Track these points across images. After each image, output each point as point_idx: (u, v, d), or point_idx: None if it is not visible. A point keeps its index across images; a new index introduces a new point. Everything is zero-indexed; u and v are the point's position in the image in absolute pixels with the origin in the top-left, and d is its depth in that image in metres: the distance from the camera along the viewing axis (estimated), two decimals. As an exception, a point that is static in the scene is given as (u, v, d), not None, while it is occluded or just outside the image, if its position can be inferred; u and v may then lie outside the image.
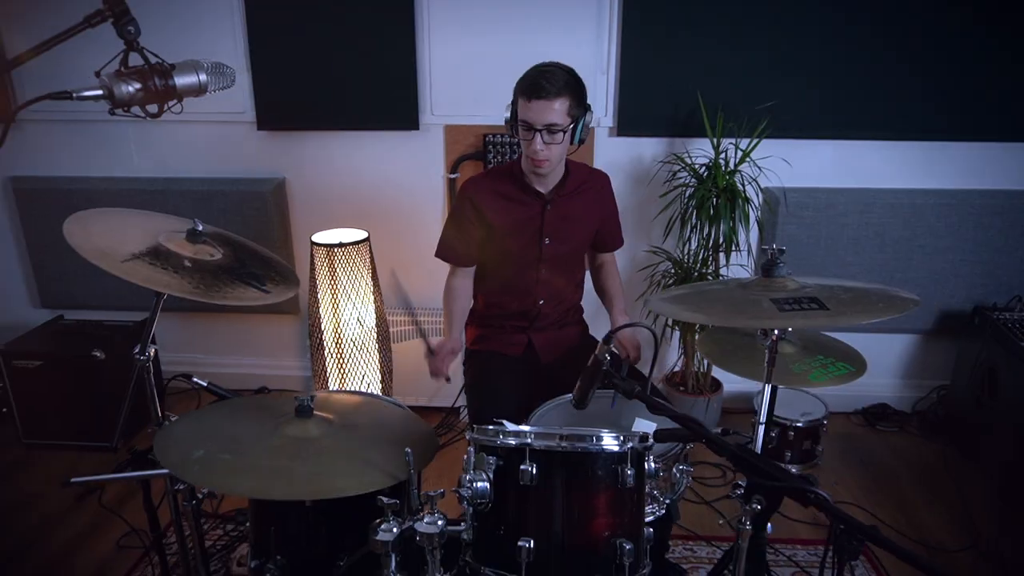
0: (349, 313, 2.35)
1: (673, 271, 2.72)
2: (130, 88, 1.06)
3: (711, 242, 2.60)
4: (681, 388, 2.85)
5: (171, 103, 1.10)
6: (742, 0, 2.60)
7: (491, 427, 1.25)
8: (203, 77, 1.13)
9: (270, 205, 2.95)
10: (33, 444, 2.80)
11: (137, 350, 1.51)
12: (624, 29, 2.67)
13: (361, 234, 2.40)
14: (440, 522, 1.17)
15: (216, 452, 1.22)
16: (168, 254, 1.41)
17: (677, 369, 2.95)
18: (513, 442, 1.16)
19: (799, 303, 1.14)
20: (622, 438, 1.17)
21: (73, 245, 1.28)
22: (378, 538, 1.17)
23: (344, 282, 2.31)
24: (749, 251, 2.75)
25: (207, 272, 1.42)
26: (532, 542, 1.13)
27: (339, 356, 2.40)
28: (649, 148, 2.83)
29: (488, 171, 2.07)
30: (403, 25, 2.72)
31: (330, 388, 2.46)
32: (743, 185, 2.59)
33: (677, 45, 2.67)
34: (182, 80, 1.11)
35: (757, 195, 2.60)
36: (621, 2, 2.64)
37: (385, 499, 1.18)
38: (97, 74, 1.09)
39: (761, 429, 1.24)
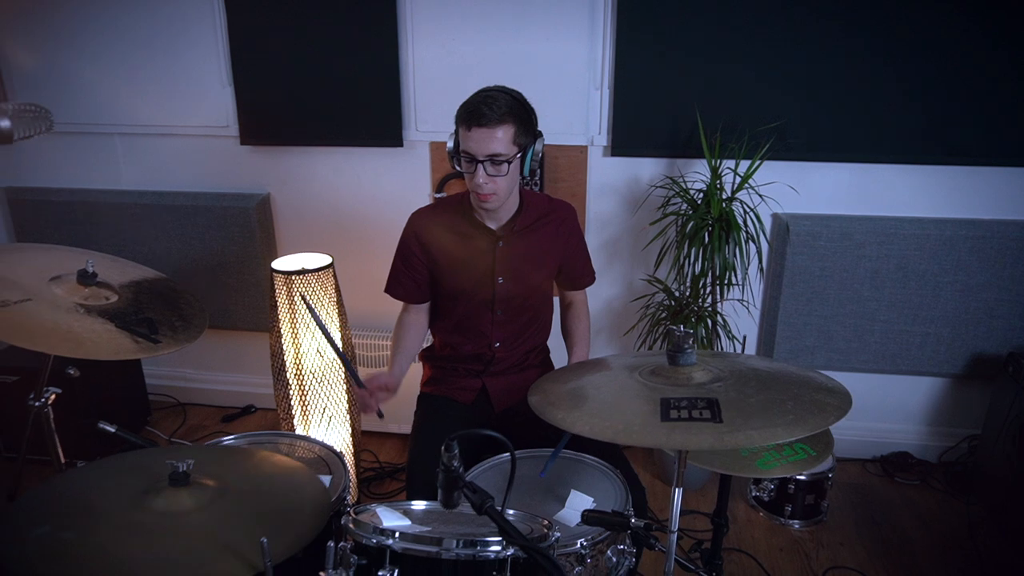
0: (308, 343, 2.23)
1: (667, 303, 2.50)
2: None
3: (707, 275, 2.38)
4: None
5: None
6: (745, 13, 2.36)
7: (368, 513, 1.09)
8: (3, 124, 1.00)
9: (253, 221, 2.87)
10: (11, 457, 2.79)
11: (31, 397, 1.41)
12: (618, 44, 2.47)
13: (325, 259, 2.28)
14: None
15: (59, 529, 1.10)
16: (54, 299, 1.30)
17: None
18: (375, 541, 1.00)
19: (692, 407, 0.93)
20: (503, 544, 1.00)
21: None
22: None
23: (303, 311, 2.19)
24: (747, 284, 2.50)
25: (94, 318, 1.30)
26: (388, 661, 0.98)
27: (300, 387, 2.28)
28: (647, 169, 2.62)
29: (436, 203, 1.91)
30: (387, 39, 2.59)
31: (293, 417, 2.35)
32: (742, 214, 2.35)
33: (675, 60, 2.45)
34: None
35: (756, 224, 2.36)
36: (615, 15, 2.44)
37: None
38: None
39: (673, 538, 1.05)
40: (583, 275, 1.96)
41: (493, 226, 1.78)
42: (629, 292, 2.74)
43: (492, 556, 0.99)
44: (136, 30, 2.74)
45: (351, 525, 1.07)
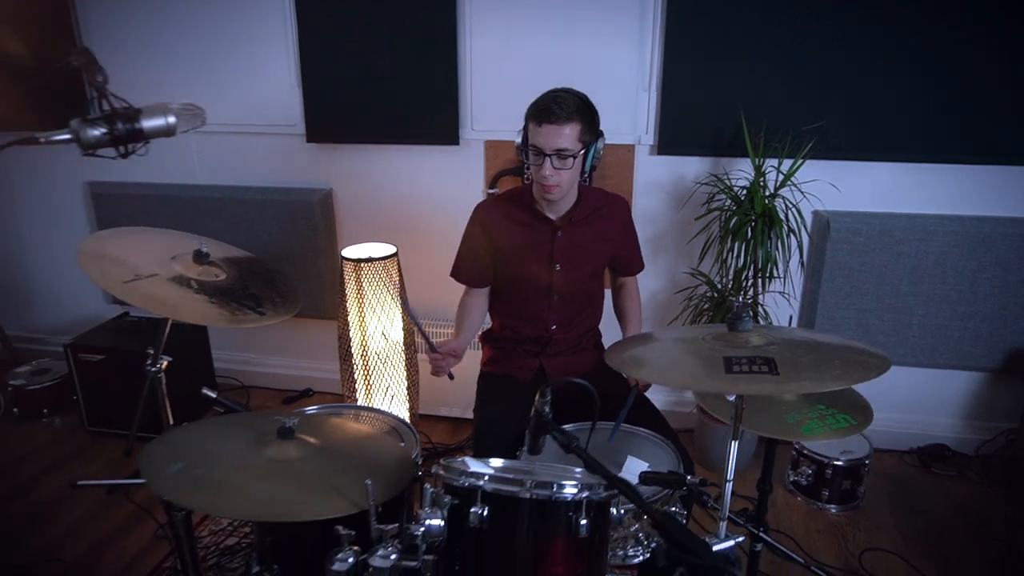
0: (374, 326, 2.40)
1: (710, 295, 2.62)
2: (96, 132, 1.12)
3: (748, 268, 2.49)
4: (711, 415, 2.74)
5: (139, 145, 1.15)
6: (790, 15, 2.47)
7: (456, 462, 1.25)
8: (171, 120, 1.18)
9: (317, 214, 3.05)
10: (96, 432, 3.01)
11: (148, 363, 1.59)
12: (666, 46, 2.60)
13: (390, 249, 2.45)
14: (393, 556, 1.18)
15: (193, 467, 1.27)
16: (176, 276, 1.49)
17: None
18: (466, 483, 1.16)
19: (751, 363, 1.07)
20: (580, 486, 1.14)
21: (81, 265, 1.38)
22: (333, 568, 1.20)
23: (370, 296, 2.36)
24: (788, 277, 2.60)
25: (210, 294, 1.48)
26: (478, 585, 1.13)
27: (365, 367, 2.46)
28: (691, 167, 2.74)
29: (500, 195, 2.06)
30: (446, 43, 2.75)
31: (357, 398, 2.52)
32: (784, 210, 2.46)
33: (721, 62, 2.57)
34: (149, 123, 1.16)
35: (798, 220, 2.47)
36: (664, 20, 2.57)
37: (342, 529, 1.20)
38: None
39: (728, 487, 1.18)
40: (634, 263, 2.10)
41: (553, 217, 1.93)
42: (673, 285, 2.87)
43: (569, 497, 1.14)
44: (213, 35, 2.95)
45: (442, 471, 1.22)
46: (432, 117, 2.87)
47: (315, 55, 2.89)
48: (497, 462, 1.35)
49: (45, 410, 3.16)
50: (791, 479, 2.66)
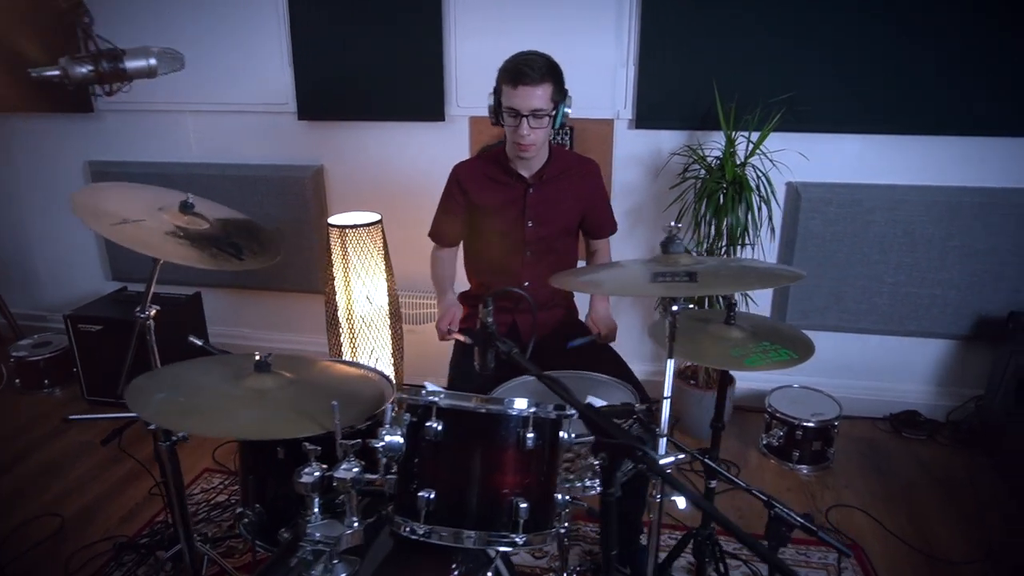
0: (359, 291, 2.49)
1: (685, 264, 2.71)
2: (82, 69, 1.21)
3: (721, 236, 2.58)
4: (692, 382, 2.83)
5: (123, 84, 1.25)
6: (762, -9, 2.56)
7: (417, 386, 1.34)
8: (152, 61, 1.27)
9: (308, 190, 3.16)
10: (95, 401, 3.12)
11: (138, 309, 1.70)
12: (643, 23, 2.69)
13: (374, 216, 2.55)
14: (355, 469, 1.28)
15: (174, 396, 1.37)
16: (161, 222, 1.59)
17: (689, 363, 2.93)
18: (424, 400, 1.25)
19: (675, 276, 1.17)
20: (526, 404, 1.23)
21: (75, 210, 1.48)
22: (300, 480, 1.29)
23: (355, 261, 2.46)
24: (759, 245, 2.69)
25: (193, 239, 1.58)
26: (433, 493, 1.22)
27: (350, 332, 2.55)
28: (669, 141, 2.83)
29: (478, 155, 2.17)
30: (431, 23, 2.85)
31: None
32: (755, 179, 2.55)
33: (695, 39, 2.66)
34: (132, 64, 1.26)
35: (767, 188, 2.55)
36: (640, -5, 2.66)
37: (308, 445, 1.30)
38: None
39: (666, 404, 1.27)
40: (605, 223, 2.19)
41: (525, 174, 2.03)
42: (652, 255, 2.95)
43: (516, 412, 1.23)
44: (206, 15, 3.06)
45: (403, 394, 1.31)
46: (419, 94, 2.96)
47: (306, 35, 2.99)
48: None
49: (46, 381, 3.27)
50: (764, 442, 2.74)
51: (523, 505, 1.21)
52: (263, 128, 3.19)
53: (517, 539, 1.22)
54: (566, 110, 1.94)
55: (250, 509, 1.61)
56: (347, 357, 2.61)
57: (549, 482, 1.28)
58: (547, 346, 2.07)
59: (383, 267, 2.56)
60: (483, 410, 1.24)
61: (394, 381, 2.70)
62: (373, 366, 2.01)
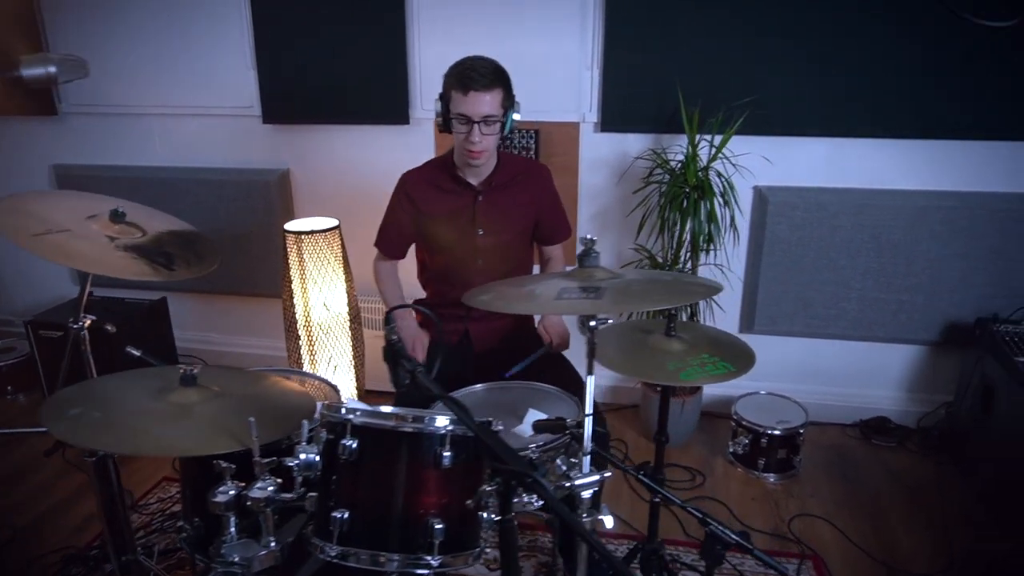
0: (316, 298, 2.46)
1: (649, 268, 2.67)
2: None
3: (683, 239, 2.54)
4: (658, 388, 2.79)
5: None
6: (727, -7, 2.52)
7: (337, 402, 1.31)
8: (51, 69, 1.24)
9: (274, 194, 3.12)
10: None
11: (71, 320, 1.66)
12: (608, 24, 2.65)
13: (332, 222, 2.51)
14: (271, 488, 1.25)
15: (90, 411, 1.34)
16: (89, 232, 1.55)
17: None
18: (338, 417, 1.22)
19: (580, 292, 1.13)
20: (446, 421, 1.20)
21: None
22: (215, 499, 1.26)
23: (311, 268, 2.42)
24: (719, 250, 2.65)
25: (123, 249, 1.55)
26: (347, 513, 1.18)
27: (308, 339, 2.52)
28: (634, 144, 2.79)
29: (426, 163, 2.12)
30: (395, 26, 2.82)
31: (302, 368, 2.59)
32: (719, 184, 2.52)
33: (660, 41, 2.62)
34: (28, 71, 1.22)
35: (729, 191, 2.52)
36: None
37: (223, 463, 1.26)
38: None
39: (588, 421, 1.24)
40: (558, 229, 2.15)
41: (474, 182, 1.99)
42: (619, 260, 2.92)
43: (432, 430, 1.19)
44: (169, 20, 3.02)
45: (323, 410, 1.28)
46: (383, 97, 2.93)
47: (269, 38, 2.95)
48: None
49: (9, 387, 3.23)
50: (730, 450, 2.71)
51: (439, 526, 1.17)
52: (228, 131, 3.16)
53: (432, 561, 1.18)
54: (515, 116, 1.90)
55: (189, 523, 1.58)
56: (306, 364, 2.58)
57: (467, 498, 1.25)
58: (498, 354, 2.04)
59: (341, 273, 2.52)
60: (398, 428, 1.20)
61: (355, 390, 2.69)
62: (324, 376, 1.98)
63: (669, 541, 2.24)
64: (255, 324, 3.43)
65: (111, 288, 3.33)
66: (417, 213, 2.03)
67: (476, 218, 2.00)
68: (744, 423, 2.61)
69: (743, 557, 2.14)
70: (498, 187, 2.00)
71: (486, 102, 1.82)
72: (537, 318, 2.15)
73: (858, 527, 2.34)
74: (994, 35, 2.38)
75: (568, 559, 1.78)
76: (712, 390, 2.90)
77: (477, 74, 1.81)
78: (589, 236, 1.26)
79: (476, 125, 1.83)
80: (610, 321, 1.20)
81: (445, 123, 1.90)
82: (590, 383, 1.19)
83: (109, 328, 2.92)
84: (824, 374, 2.92)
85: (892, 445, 2.80)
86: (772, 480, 2.61)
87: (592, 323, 1.16)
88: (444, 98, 1.89)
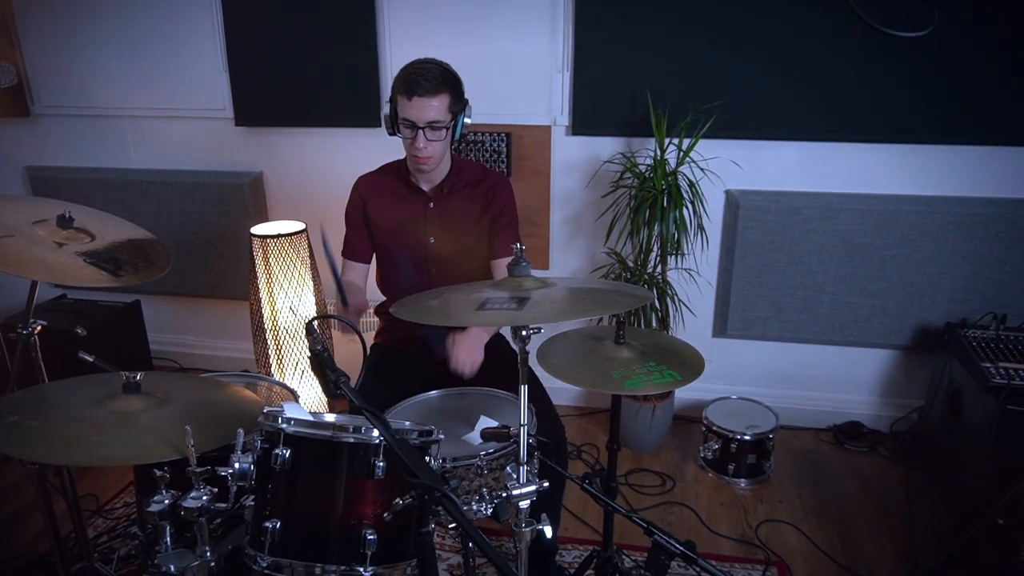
0: (282, 302, 2.45)
1: (620, 273, 2.66)
2: None
3: (651, 244, 2.53)
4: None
5: None
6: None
7: (276, 409, 1.29)
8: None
9: (247, 197, 3.11)
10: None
11: (20, 326, 1.64)
12: (577, 28, 2.64)
13: (298, 226, 2.50)
14: (205, 498, 1.23)
15: (28, 419, 1.32)
16: (35, 238, 1.54)
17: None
18: (272, 426, 1.20)
19: (504, 302, 1.12)
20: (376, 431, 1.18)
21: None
22: (149, 508, 1.25)
23: (276, 272, 2.41)
24: (688, 254, 2.64)
25: (66, 255, 1.53)
26: (279, 524, 1.17)
27: (276, 343, 2.50)
28: (606, 147, 2.78)
29: (380, 168, 2.10)
30: (366, 29, 2.80)
31: (270, 375, 2.57)
32: (687, 188, 2.51)
33: (630, 44, 2.61)
34: None
35: (698, 195, 2.51)
36: (574, 1, 2.61)
37: (158, 472, 1.25)
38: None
39: (523, 431, 1.22)
40: (503, 244, 2.01)
41: (426, 188, 1.97)
42: (591, 263, 2.91)
43: (363, 440, 1.17)
44: (141, 21, 3.00)
45: (260, 418, 1.26)
46: (355, 100, 2.91)
47: (241, 40, 2.94)
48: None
49: (-19, 390, 3.21)
50: (701, 454, 2.70)
51: (371, 536, 1.16)
52: (200, 134, 3.14)
53: (365, 572, 1.17)
54: (466, 120, 1.88)
55: (142, 530, 1.56)
56: (274, 368, 2.57)
57: (405, 511, 1.24)
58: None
59: (308, 277, 2.51)
60: (332, 438, 1.19)
61: (322, 395, 2.67)
62: (286, 382, 1.97)
63: (635, 547, 2.23)
64: (228, 327, 3.41)
65: (85, 291, 3.32)
66: (367, 219, 2.01)
67: (427, 226, 1.98)
68: (715, 428, 2.60)
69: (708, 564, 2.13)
70: (451, 194, 1.98)
71: (431, 107, 1.79)
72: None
73: (825, 533, 2.33)
74: (964, 41, 2.37)
75: (536, 567, 1.77)
76: (684, 395, 2.89)
77: (423, 79, 1.78)
78: (519, 245, 1.25)
79: (421, 131, 1.80)
80: (542, 330, 1.18)
81: (393, 127, 1.88)
82: (523, 392, 1.18)
83: (79, 331, 2.93)
84: (797, 378, 2.91)
85: (864, 450, 2.79)
86: (743, 485, 2.60)
87: (523, 332, 1.15)
88: (392, 102, 1.87)
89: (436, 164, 1.88)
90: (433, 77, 1.78)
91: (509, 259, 2.05)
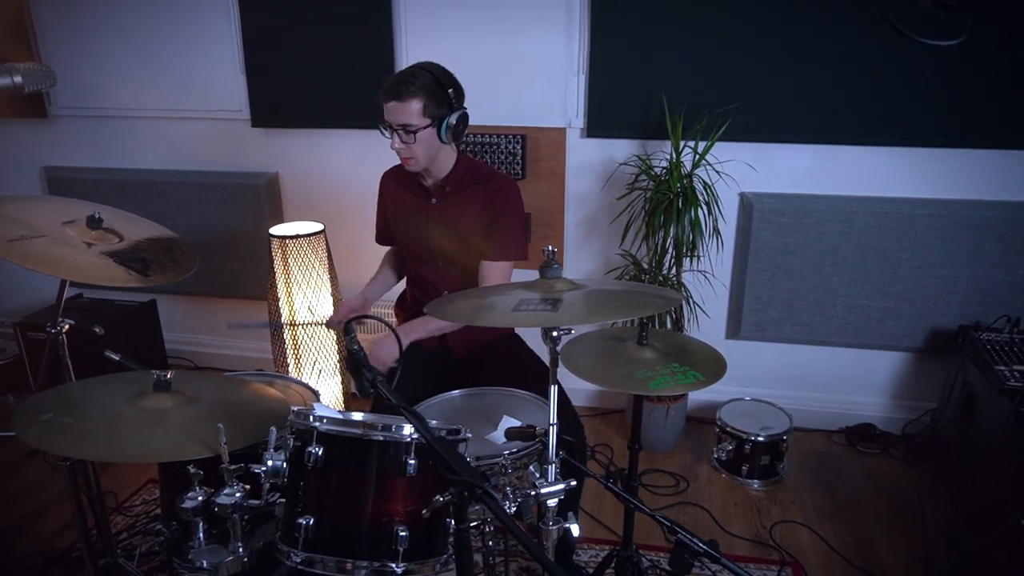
0: (300, 302, 2.47)
1: (636, 274, 2.68)
2: None
3: (666, 246, 2.55)
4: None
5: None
6: (713, 1, 2.53)
7: (306, 408, 1.31)
8: (17, 79, 1.24)
9: (263, 197, 3.13)
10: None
11: (48, 325, 1.67)
12: (593, 32, 2.66)
13: (317, 226, 2.52)
14: (239, 495, 1.25)
15: (61, 416, 1.34)
16: (65, 238, 1.56)
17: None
18: (305, 424, 1.22)
19: (538, 304, 1.14)
20: (412, 429, 1.20)
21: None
22: (183, 505, 1.27)
23: (296, 272, 2.43)
24: (703, 256, 2.66)
25: (97, 256, 1.56)
26: (312, 520, 1.19)
27: (294, 343, 2.52)
28: (621, 150, 2.80)
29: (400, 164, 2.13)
30: (383, 32, 2.83)
31: (288, 371, 2.59)
32: (703, 190, 2.52)
33: (646, 47, 2.63)
34: None
35: (713, 197, 2.53)
36: (590, 4, 2.63)
37: (192, 469, 1.27)
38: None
39: (552, 430, 1.24)
40: (495, 247, 2.00)
41: (428, 185, 2.03)
42: (605, 265, 2.93)
43: (396, 438, 1.19)
44: (159, 23, 3.03)
45: (292, 417, 1.28)
46: (372, 101, 2.91)
47: (258, 42, 2.96)
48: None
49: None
50: (714, 456, 2.71)
51: (403, 533, 1.18)
52: (217, 135, 3.17)
53: (397, 568, 1.19)
54: (451, 121, 1.88)
55: (166, 526, 1.58)
56: (291, 368, 2.59)
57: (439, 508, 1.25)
58: (477, 360, 2.05)
59: (327, 278, 2.53)
60: (364, 436, 1.21)
61: (340, 395, 2.69)
62: (307, 381, 1.99)
63: (652, 547, 2.25)
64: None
65: (101, 291, 3.34)
66: (387, 210, 2.15)
67: (429, 221, 2.04)
68: (728, 429, 2.61)
69: (732, 564, 2.14)
70: (451, 193, 2.02)
71: (402, 111, 1.85)
72: None
73: (838, 534, 2.34)
74: (978, 45, 2.38)
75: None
76: (697, 396, 2.91)
77: (399, 85, 1.85)
78: (550, 248, 1.27)
79: (396, 132, 1.87)
80: (573, 332, 1.20)
81: (382, 127, 1.93)
82: (553, 392, 1.20)
83: (97, 330, 2.96)
84: (810, 380, 2.92)
85: (877, 452, 2.80)
86: (756, 486, 2.61)
87: (554, 333, 1.17)
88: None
89: (420, 165, 1.94)
90: (411, 83, 1.83)
91: (499, 263, 2.05)
